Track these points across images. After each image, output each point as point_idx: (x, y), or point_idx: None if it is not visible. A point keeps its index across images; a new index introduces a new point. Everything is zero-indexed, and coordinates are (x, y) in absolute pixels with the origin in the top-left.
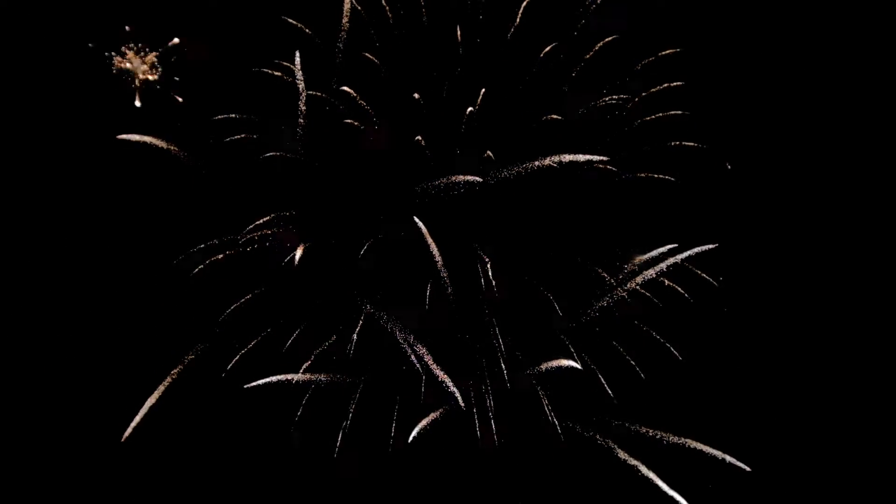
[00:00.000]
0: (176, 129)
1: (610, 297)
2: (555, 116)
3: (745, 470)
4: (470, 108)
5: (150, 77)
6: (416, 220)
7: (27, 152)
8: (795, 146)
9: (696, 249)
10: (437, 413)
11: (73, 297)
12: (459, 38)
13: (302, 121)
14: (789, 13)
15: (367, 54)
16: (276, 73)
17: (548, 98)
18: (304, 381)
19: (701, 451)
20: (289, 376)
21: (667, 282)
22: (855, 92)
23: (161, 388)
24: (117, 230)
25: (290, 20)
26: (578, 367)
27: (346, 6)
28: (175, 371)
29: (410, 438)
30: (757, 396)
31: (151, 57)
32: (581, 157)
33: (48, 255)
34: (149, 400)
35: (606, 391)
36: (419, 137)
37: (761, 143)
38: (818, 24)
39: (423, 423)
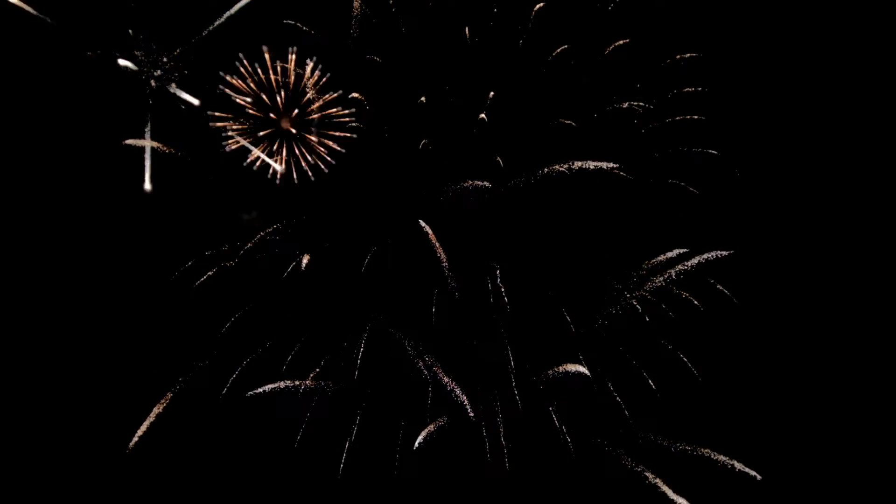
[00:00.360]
0: (184, 135)
1: (619, 305)
2: (567, 121)
3: (755, 478)
4: (482, 116)
5: (167, 85)
6: (422, 222)
7: (31, 157)
8: (814, 154)
9: (707, 255)
10: (443, 420)
11: (81, 305)
12: (468, 41)
13: (313, 129)
14: (808, 19)
15: (375, 58)
16: (286, 80)
17: (560, 102)
18: (310, 390)
19: (710, 457)
20: (296, 382)
21: (674, 289)
22: (875, 100)
23: (167, 397)
24: (123, 237)
25: (299, 24)
26: (586, 372)
27: (356, 10)
28: (181, 379)
29: (416, 445)
30: (768, 404)
31: (164, 61)
32: (591, 164)
33: (54, 262)
34: (154, 409)
35: (615, 398)
36: (425, 141)
37: (779, 151)
38: (837, 31)
39: (430, 428)
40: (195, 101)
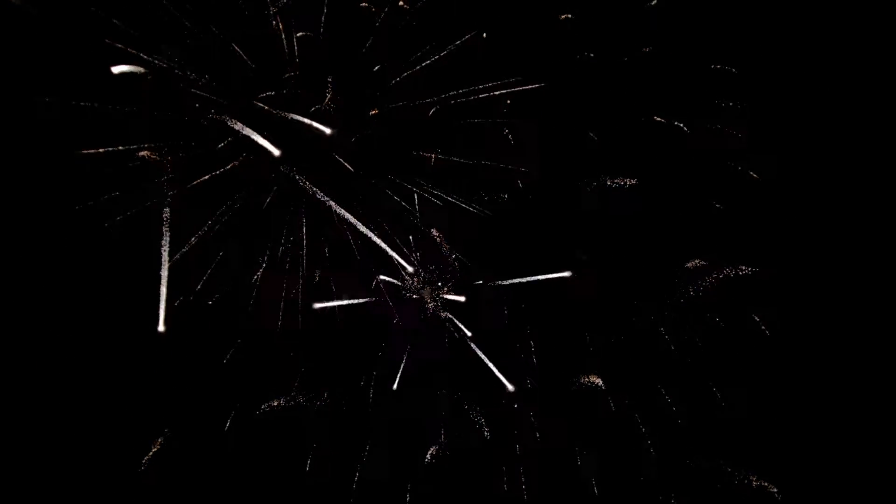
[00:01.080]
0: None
1: (639, 321)
2: (590, 134)
3: (774, 495)
4: (505, 131)
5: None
6: (434, 231)
7: (34, 164)
8: (853, 169)
9: (729, 270)
10: (457, 437)
11: (93, 318)
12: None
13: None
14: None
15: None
16: (295, 90)
17: (582, 113)
18: (323, 407)
19: (726, 470)
20: (309, 395)
21: (695, 305)
22: None
23: (176, 417)
24: (136, 250)
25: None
26: (600, 384)
27: (378, 19)
28: (190, 395)
29: (427, 458)
30: (787, 416)
31: (189, 73)
32: (609, 181)
33: (62, 272)
34: (165, 429)
35: (633, 415)
36: (433, 151)
37: (814, 166)
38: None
39: (441, 439)
40: (276, 151)
